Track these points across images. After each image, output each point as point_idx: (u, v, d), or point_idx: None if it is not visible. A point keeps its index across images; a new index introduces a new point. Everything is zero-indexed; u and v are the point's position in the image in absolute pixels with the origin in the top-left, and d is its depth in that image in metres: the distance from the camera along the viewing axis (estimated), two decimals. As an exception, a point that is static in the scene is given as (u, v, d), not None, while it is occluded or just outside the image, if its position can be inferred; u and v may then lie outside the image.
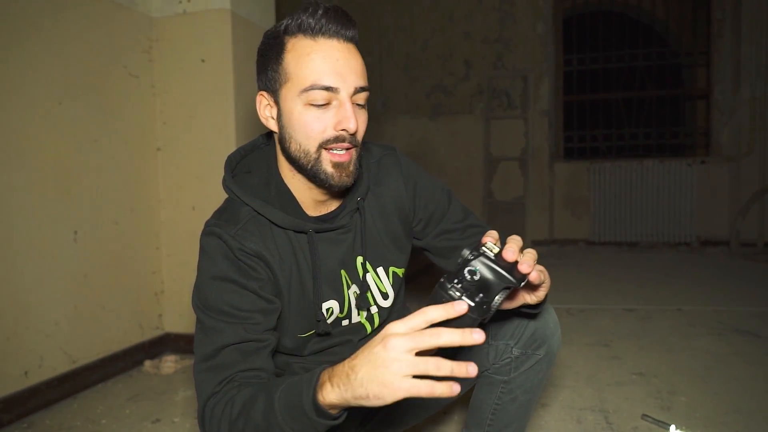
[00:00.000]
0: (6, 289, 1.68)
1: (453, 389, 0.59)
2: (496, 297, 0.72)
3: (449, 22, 5.29)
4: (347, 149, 0.85)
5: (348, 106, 0.83)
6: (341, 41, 0.84)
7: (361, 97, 0.86)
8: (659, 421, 1.53)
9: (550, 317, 1.02)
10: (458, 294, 0.69)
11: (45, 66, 1.79)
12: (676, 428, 1.48)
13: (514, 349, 1.02)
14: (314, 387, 0.67)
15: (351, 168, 0.87)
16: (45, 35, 1.79)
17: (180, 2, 2.21)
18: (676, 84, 5.55)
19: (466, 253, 0.73)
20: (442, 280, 0.71)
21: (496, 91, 5.24)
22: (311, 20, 0.83)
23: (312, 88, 0.82)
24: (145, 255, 2.23)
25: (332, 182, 0.86)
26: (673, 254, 4.57)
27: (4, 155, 1.67)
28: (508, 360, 1.03)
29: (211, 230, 0.88)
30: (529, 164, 5.18)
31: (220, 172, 0.96)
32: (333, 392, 0.65)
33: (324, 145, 0.84)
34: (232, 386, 0.79)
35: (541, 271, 0.79)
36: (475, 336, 0.59)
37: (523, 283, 0.73)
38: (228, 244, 0.86)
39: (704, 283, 3.39)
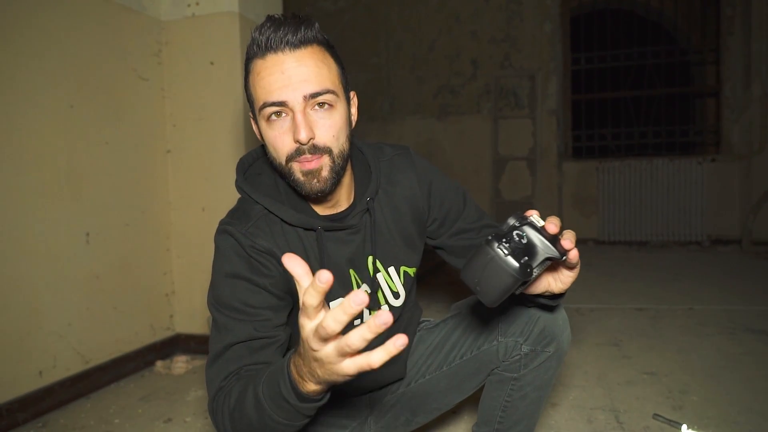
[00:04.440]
0: (19, 291, 1.70)
1: (395, 345, 0.55)
2: (538, 264, 0.73)
3: (456, 22, 5.29)
4: (317, 158, 0.84)
5: (298, 116, 0.82)
6: (287, 51, 0.82)
7: (321, 102, 0.83)
8: (671, 420, 1.53)
9: (560, 314, 1.02)
10: (505, 252, 0.70)
11: (56, 70, 1.81)
12: (688, 428, 1.47)
13: (523, 346, 1.02)
14: (288, 379, 0.68)
15: (324, 174, 0.85)
16: (56, 39, 1.81)
17: (189, 5, 2.23)
18: (685, 82, 5.51)
19: (512, 220, 0.74)
20: (489, 238, 0.72)
21: (503, 91, 5.23)
22: (258, 36, 0.83)
23: (264, 106, 0.83)
24: (155, 256, 2.25)
25: (306, 190, 0.87)
26: (683, 253, 4.53)
27: (17, 158, 1.69)
28: (518, 357, 1.03)
29: (223, 228, 0.90)
30: (537, 164, 5.16)
31: (230, 174, 0.98)
32: (308, 384, 0.67)
33: (290, 159, 0.85)
34: (235, 379, 0.81)
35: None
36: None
37: (564, 258, 0.75)
38: (239, 241, 0.88)
39: (715, 282, 3.36)
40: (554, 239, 0.74)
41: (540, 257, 0.73)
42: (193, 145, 2.28)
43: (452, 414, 1.62)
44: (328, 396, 0.71)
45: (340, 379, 0.62)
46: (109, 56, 2.02)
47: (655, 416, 1.56)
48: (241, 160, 1.00)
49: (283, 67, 0.82)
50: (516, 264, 0.70)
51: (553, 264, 0.81)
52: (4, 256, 1.65)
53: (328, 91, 0.84)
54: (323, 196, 0.91)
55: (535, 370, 1.04)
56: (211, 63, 2.22)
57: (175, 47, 2.26)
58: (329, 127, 0.85)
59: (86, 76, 1.93)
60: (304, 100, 0.82)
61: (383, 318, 0.53)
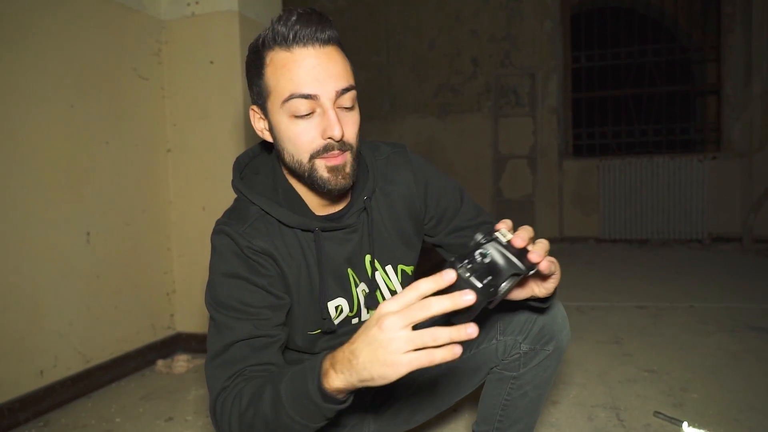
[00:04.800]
0: (20, 290, 1.70)
1: (454, 352, 0.60)
2: (504, 282, 0.72)
3: (456, 21, 5.29)
4: (342, 154, 0.85)
5: (331, 113, 0.82)
6: (317, 46, 0.82)
7: (347, 99, 0.84)
8: (672, 418, 1.53)
9: (558, 312, 1.02)
10: (467, 274, 0.69)
11: (57, 69, 1.82)
12: (689, 425, 1.47)
13: (522, 344, 1.02)
14: (318, 374, 0.68)
15: (347, 170, 0.86)
16: (56, 39, 1.81)
17: (188, 4, 2.23)
18: (686, 80, 5.50)
19: (479, 237, 0.73)
20: (452, 259, 0.71)
21: (504, 89, 5.23)
22: (284, 29, 0.81)
23: (291, 97, 0.81)
24: (156, 255, 2.26)
25: (330, 186, 0.86)
26: (684, 251, 4.52)
27: (17, 157, 1.70)
28: (517, 356, 1.03)
29: (220, 229, 0.90)
30: (538, 162, 5.16)
31: (230, 173, 0.97)
32: (338, 378, 0.66)
33: (315, 156, 0.84)
34: (242, 380, 0.80)
35: (552, 262, 0.78)
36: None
37: (532, 272, 0.74)
38: (237, 242, 0.87)
39: (716, 280, 3.36)
40: (522, 253, 0.73)
41: (504, 275, 0.72)
42: (194, 144, 2.28)
43: (452, 412, 1.62)
44: (351, 399, 0.71)
45: (384, 370, 0.61)
46: (109, 55, 2.02)
47: (656, 414, 1.56)
48: (237, 159, 0.99)
49: (313, 62, 0.81)
50: (478, 285, 0.69)
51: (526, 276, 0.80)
52: (4, 256, 1.65)
53: (353, 88, 0.85)
54: (345, 193, 0.92)
55: (534, 369, 1.03)
56: (211, 62, 2.22)
57: (175, 46, 2.26)
58: (353, 125, 0.86)
59: (86, 76, 1.93)
60: (336, 95, 0.82)
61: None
